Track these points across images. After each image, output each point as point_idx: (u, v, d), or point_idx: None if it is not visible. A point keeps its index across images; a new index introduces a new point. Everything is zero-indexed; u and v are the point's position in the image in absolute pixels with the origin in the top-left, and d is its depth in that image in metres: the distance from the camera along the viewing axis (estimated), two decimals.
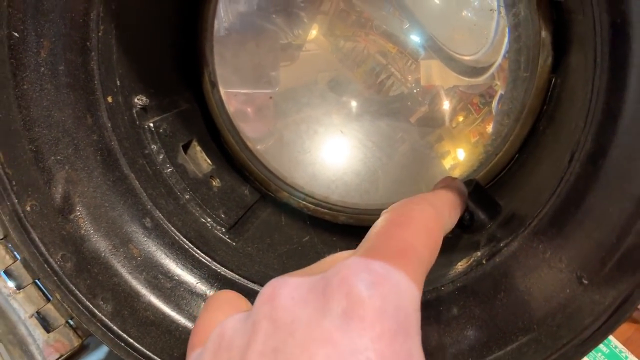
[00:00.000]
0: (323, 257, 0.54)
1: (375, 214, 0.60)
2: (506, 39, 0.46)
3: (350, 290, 0.27)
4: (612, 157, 0.35)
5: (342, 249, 0.56)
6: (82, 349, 0.49)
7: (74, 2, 0.43)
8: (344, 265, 0.29)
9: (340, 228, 0.61)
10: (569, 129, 0.41)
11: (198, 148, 0.57)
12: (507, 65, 0.46)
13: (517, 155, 0.54)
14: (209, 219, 0.52)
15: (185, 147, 0.55)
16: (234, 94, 0.56)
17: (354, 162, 0.61)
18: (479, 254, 0.44)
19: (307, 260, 0.53)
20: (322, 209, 0.61)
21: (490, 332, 0.40)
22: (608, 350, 0.65)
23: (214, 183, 0.56)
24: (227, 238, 0.52)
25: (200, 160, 0.57)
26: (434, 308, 0.43)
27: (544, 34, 0.49)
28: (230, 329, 0.32)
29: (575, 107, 0.41)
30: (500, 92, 0.48)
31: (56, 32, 0.43)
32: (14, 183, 0.43)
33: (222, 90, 0.58)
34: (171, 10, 0.55)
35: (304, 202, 0.61)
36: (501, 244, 0.42)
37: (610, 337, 0.66)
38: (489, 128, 0.49)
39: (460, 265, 0.45)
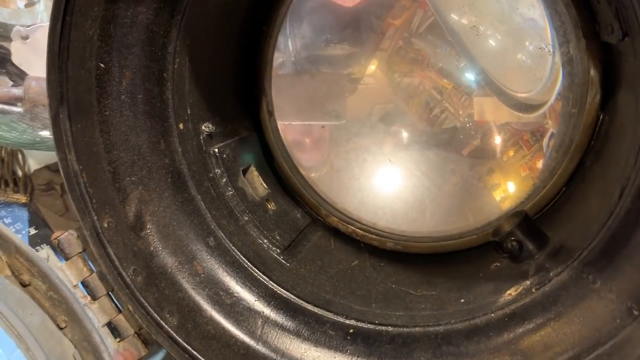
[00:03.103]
0: (372, 280, 0.56)
1: (422, 241, 0.62)
2: (559, 81, 0.49)
3: None
4: None
5: (389, 275, 0.59)
6: None
7: (154, 37, 0.47)
8: None
9: (388, 254, 0.63)
10: (617, 166, 0.43)
11: (255, 173, 0.60)
12: (559, 106, 0.49)
13: (564, 189, 0.55)
14: (265, 240, 0.55)
15: (244, 172, 0.58)
16: (291, 125, 0.59)
17: (401, 190, 0.63)
18: (528, 282, 0.46)
19: (356, 283, 0.56)
20: (370, 235, 0.63)
21: (540, 359, 0.41)
22: None
23: (269, 206, 0.59)
24: (282, 259, 0.55)
25: (257, 184, 0.60)
26: (484, 333, 0.45)
27: (592, 72, 0.51)
28: None
29: (625, 145, 0.43)
30: (551, 130, 0.50)
31: (137, 63, 0.47)
32: (94, 201, 0.46)
33: (277, 120, 0.62)
34: (236, 44, 0.59)
35: (352, 227, 0.64)
36: (551, 274, 0.44)
37: None
38: (539, 164, 0.51)
39: (509, 294, 0.47)
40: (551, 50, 0.48)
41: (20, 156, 0.72)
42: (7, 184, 0.71)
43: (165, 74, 0.49)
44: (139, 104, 0.48)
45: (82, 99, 0.46)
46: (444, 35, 0.51)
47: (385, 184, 0.64)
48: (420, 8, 0.51)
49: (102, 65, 0.46)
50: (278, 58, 0.62)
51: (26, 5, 0.74)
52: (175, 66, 0.50)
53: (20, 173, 0.72)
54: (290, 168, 0.65)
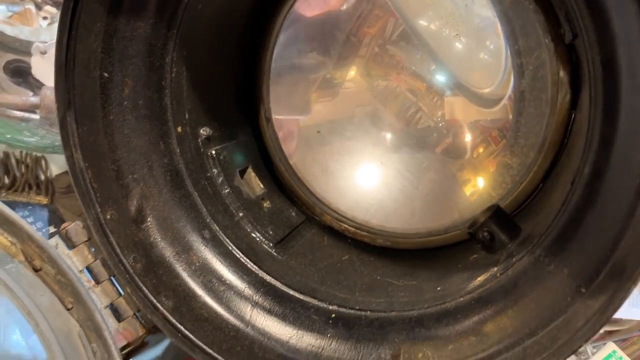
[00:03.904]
0: (359, 273, 0.60)
1: (410, 237, 0.66)
2: (512, 76, 0.52)
3: None
4: (607, 180, 0.40)
5: (377, 268, 0.62)
6: (143, 345, 0.56)
7: (153, 49, 0.53)
8: None
9: (377, 250, 0.66)
10: (575, 158, 0.46)
11: (253, 174, 0.65)
12: (514, 97, 0.52)
13: (541, 185, 0.58)
14: (258, 235, 0.59)
15: (242, 172, 0.63)
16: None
17: (392, 190, 0.67)
18: (495, 269, 0.49)
19: (344, 275, 0.60)
20: (362, 232, 0.67)
21: (500, 337, 0.44)
22: None
23: (264, 204, 0.63)
24: (274, 252, 0.59)
25: (254, 184, 0.64)
26: (453, 316, 0.48)
27: (562, 73, 0.54)
28: None
29: (581, 138, 0.46)
30: (512, 125, 0.53)
31: (138, 73, 0.53)
32: (98, 195, 0.52)
33: (273, 119, 0.66)
34: (233, 54, 0.64)
35: (346, 225, 0.67)
36: (514, 260, 0.47)
37: None
38: (507, 159, 0.54)
39: (479, 280, 0.50)
40: (504, 45, 0.51)
41: (43, 162, 0.79)
42: (30, 187, 0.78)
43: (163, 82, 0.54)
44: (139, 109, 0.54)
45: (88, 105, 0.51)
46: (414, 41, 0.55)
47: (377, 184, 0.68)
48: (392, 17, 0.55)
49: (105, 74, 0.52)
50: (275, 67, 0.66)
51: (49, 24, 0.81)
52: (173, 75, 0.55)
53: (42, 177, 0.79)
54: (287, 170, 0.69)
